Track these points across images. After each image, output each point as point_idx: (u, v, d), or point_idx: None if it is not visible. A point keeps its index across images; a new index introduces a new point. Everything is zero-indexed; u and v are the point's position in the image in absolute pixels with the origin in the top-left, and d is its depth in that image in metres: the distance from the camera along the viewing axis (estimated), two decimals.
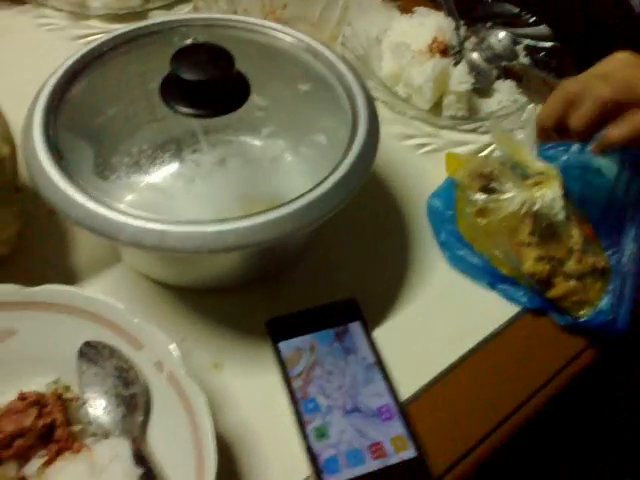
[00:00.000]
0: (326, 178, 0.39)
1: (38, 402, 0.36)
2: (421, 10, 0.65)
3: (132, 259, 0.46)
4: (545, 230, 0.47)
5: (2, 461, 0.35)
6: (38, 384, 0.39)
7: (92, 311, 0.40)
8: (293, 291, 0.47)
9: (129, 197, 0.39)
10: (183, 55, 0.41)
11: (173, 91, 0.42)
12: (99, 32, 0.66)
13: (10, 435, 0.35)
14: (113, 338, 0.40)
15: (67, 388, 0.39)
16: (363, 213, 0.52)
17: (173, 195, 0.40)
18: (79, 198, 0.37)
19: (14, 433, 0.35)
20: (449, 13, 0.64)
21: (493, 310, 0.48)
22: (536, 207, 0.46)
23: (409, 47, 0.60)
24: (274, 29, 0.48)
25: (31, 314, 0.40)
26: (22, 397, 0.37)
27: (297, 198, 0.38)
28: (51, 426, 0.36)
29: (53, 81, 0.43)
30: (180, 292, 0.46)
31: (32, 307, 0.40)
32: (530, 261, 0.46)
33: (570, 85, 0.43)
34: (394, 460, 0.39)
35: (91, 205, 0.37)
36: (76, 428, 0.37)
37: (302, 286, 0.48)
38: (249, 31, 0.49)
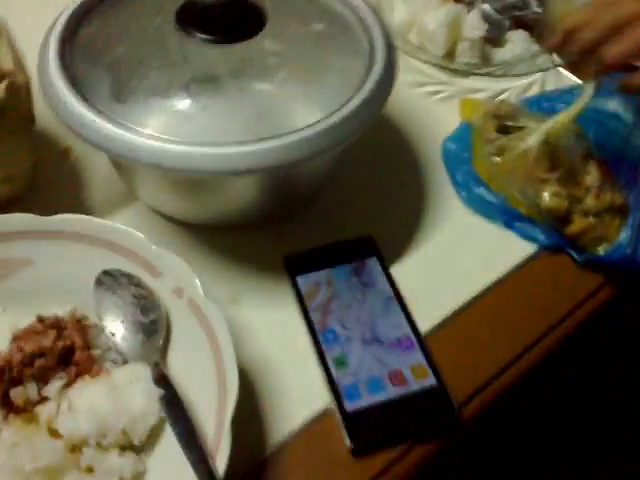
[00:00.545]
0: (346, 104, 0.39)
1: (57, 324, 0.36)
2: None
3: (148, 193, 0.46)
4: (563, 167, 0.46)
5: (23, 381, 0.35)
6: (56, 312, 0.39)
7: (109, 239, 0.40)
8: (309, 229, 0.47)
9: (145, 120, 0.38)
10: None
11: (189, 17, 0.42)
12: None
13: (30, 354, 0.34)
14: (131, 266, 0.39)
15: (85, 317, 0.39)
16: (379, 158, 0.52)
17: (189, 120, 0.39)
18: (98, 121, 0.37)
19: (34, 352, 0.34)
20: None
21: (510, 248, 0.47)
22: (552, 144, 0.46)
23: None
24: None
25: (48, 243, 0.40)
26: (41, 319, 0.36)
27: (318, 122, 0.38)
28: (70, 349, 0.36)
29: (67, 13, 0.43)
30: (196, 229, 0.46)
31: (49, 236, 0.40)
32: (548, 197, 0.46)
33: None
34: (415, 387, 0.39)
35: (110, 127, 0.37)
36: (95, 353, 0.37)
37: (318, 225, 0.47)
38: None
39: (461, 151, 0.52)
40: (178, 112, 0.39)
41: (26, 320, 0.38)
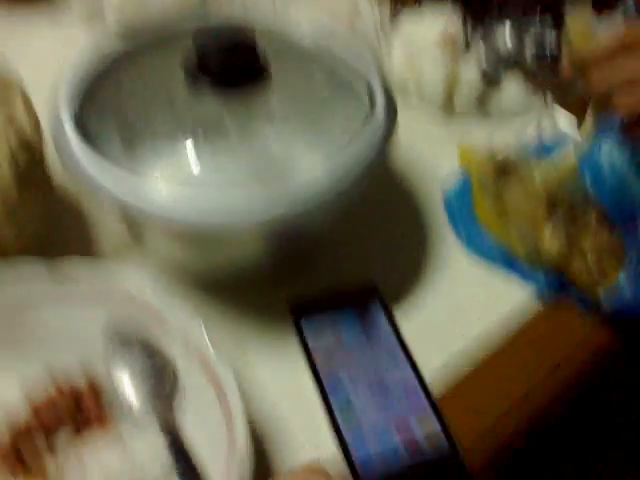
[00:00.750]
0: (349, 151, 0.40)
1: (75, 394, 0.37)
2: (427, 4, 0.66)
3: (155, 242, 0.47)
4: (560, 209, 0.47)
5: (32, 435, 0.35)
6: (65, 360, 0.39)
7: (119, 289, 0.40)
8: (314, 278, 0.48)
9: (152, 172, 0.40)
10: (204, 32, 0.43)
11: (195, 66, 0.43)
12: None
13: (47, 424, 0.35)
14: (139, 314, 0.40)
15: (94, 366, 0.39)
16: (378, 201, 0.53)
17: (194, 172, 0.41)
18: (106, 172, 0.38)
19: (51, 423, 0.35)
20: (457, 8, 0.65)
21: (511, 293, 0.48)
22: (551, 185, 0.47)
23: (419, 42, 0.61)
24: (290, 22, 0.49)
25: (56, 289, 0.41)
26: (60, 390, 0.37)
27: (326, 171, 0.39)
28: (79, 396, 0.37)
29: (77, 68, 0.45)
30: (202, 278, 0.47)
31: (57, 283, 0.41)
32: (547, 239, 0.47)
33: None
34: (420, 434, 0.39)
35: (115, 178, 0.38)
36: (103, 402, 0.37)
37: (323, 273, 0.48)
38: (272, 23, 0.50)
39: (462, 196, 0.53)
40: (185, 162, 0.40)
41: (36, 366, 0.39)
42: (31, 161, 0.43)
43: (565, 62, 0.44)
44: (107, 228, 0.50)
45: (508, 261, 0.49)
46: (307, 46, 0.49)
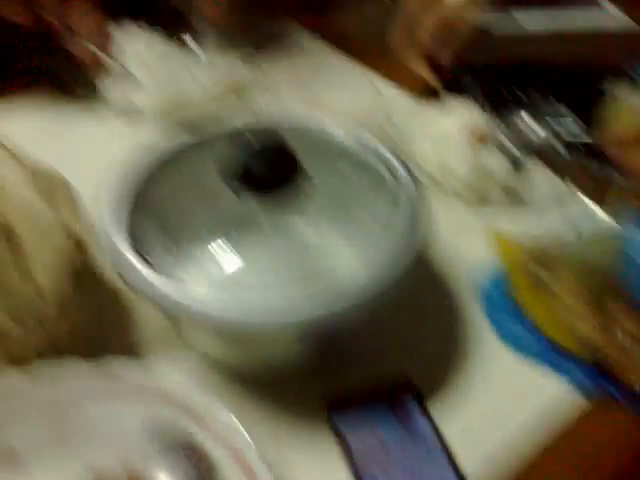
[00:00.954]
0: (387, 250, 0.41)
1: None
2: (454, 102, 0.69)
3: (196, 338, 0.48)
4: (599, 296, 0.47)
5: None
6: (105, 458, 0.40)
7: (161, 387, 0.41)
8: (349, 373, 0.48)
9: (194, 271, 0.41)
10: (241, 135, 0.45)
11: (231, 170, 0.45)
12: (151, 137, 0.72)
13: None
14: (179, 416, 0.40)
15: (136, 464, 0.40)
16: (409, 291, 0.54)
17: (230, 269, 0.42)
18: (152, 277, 0.40)
19: None
20: (483, 104, 0.68)
21: (550, 387, 0.48)
22: (590, 272, 0.47)
23: (447, 138, 0.64)
24: (326, 125, 0.52)
25: (98, 387, 0.41)
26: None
27: (354, 279, 0.40)
28: None
29: (131, 172, 0.47)
30: (240, 373, 0.48)
31: (100, 379, 0.42)
32: (584, 327, 0.46)
33: None
34: None
35: (159, 281, 0.39)
36: None
37: (357, 367, 0.48)
38: (303, 127, 0.53)
39: (497, 287, 0.53)
40: (221, 259, 0.42)
41: (76, 463, 0.39)
42: (84, 259, 0.45)
43: (607, 141, 0.45)
44: (150, 323, 0.51)
45: (546, 357, 0.49)
46: (336, 141, 0.51)
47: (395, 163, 0.48)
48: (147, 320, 0.51)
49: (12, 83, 0.76)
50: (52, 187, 0.45)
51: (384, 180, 0.48)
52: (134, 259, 0.41)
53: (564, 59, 0.75)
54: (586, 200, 0.62)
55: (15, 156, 0.45)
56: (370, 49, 0.87)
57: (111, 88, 0.74)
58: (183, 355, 0.49)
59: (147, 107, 0.74)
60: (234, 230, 0.46)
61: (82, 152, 0.68)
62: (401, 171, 0.47)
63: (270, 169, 0.45)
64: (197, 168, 0.49)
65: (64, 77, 0.76)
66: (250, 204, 0.46)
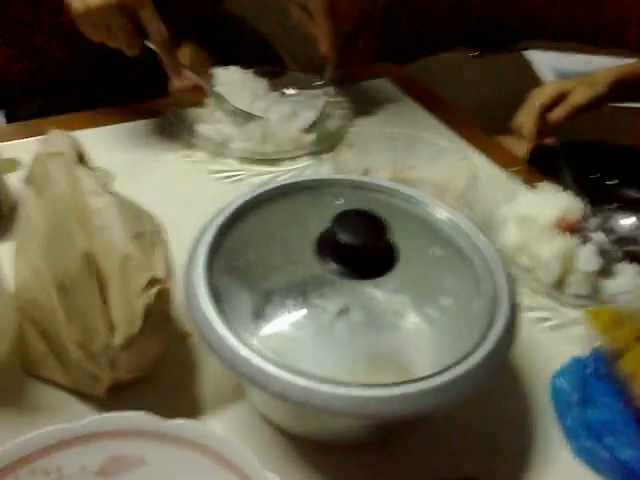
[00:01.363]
0: (471, 354, 0.40)
1: None
2: (546, 187, 0.67)
3: (257, 401, 0.47)
4: None
5: None
6: None
7: (220, 452, 0.40)
8: (408, 457, 0.46)
9: (276, 345, 0.41)
10: (343, 218, 0.44)
11: (327, 248, 0.45)
12: (234, 170, 0.73)
13: None
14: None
15: None
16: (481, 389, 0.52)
17: (316, 350, 0.41)
18: (234, 344, 0.39)
19: None
20: (574, 192, 0.66)
21: None
22: None
23: (536, 221, 0.62)
24: (421, 200, 0.51)
25: (161, 446, 0.41)
26: None
27: (439, 373, 0.38)
28: None
29: (216, 224, 0.47)
30: (298, 440, 0.46)
31: (163, 439, 0.41)
32: None
33: None
34: None
35: (245, 353, 0.39)
36: None
37: (421, 455, 0.46)
38: (394, 196, 0.52)
39: (572, 390, 0.50)
40: (307, 341, 0.41)
41: None
42: (158, 298, 0.45)
43: None
44: (214, 369, 0.51)
45: (622, 476, 0.46)
46: (432, 221, 0.50)
47: (494, 264, 0.46)
48: (209, 368, 0.51)
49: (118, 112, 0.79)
50: (146, 234, 0.46)
51: (476, 270, 0.46)
52: (213, 315, 0.40)
53: None
54: None
55: (120, 202, 0.46)
56: (465, 118, 0.86)
57: (204, 126, 0.76)
58: (242, 413, 0.48)
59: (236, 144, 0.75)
60: (313, 295, 0.45)
61: (172, 192, 0.69)
62: (499, 274, 0.45)
63: (367, 260, 0.44)
64: (295, 232, 0.49)
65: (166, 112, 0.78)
66: (342, 286, 0.44)
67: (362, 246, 0.44)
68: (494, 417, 0.50)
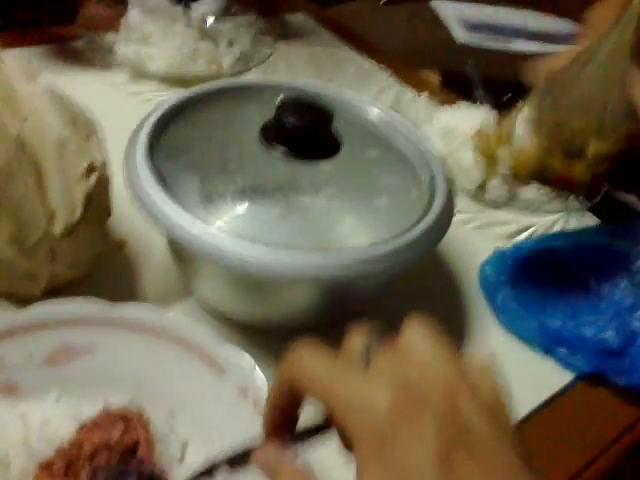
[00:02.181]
0: (411, 229, 0.42)
1: (124, 416, 0.35)
2: (462, 105, 0.71)
3: (206, 289, 0.47)
4: None
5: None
6: (115, 402, 0.38)
7: (174, 333, 0.40)
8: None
9: (221, 219, 0.41)
10: (288, 105, 0.45)
11: (272, 134, 0.45)
12: (154, 91, 0.71)
13: (97, 447, 0.33)
14: (195, 361, 0.39)
15: (142, 410, 0.38)
16: (415, 282, 0.54)
17: (259, 224, 0.42)
18: (184, 218, 0.39)
19: (101, 444, 0.33)
20: (489, 105, 0.70)
21: (548, 376, 0.49)
22: None
23: (456, 133, 0.65)
24: (358, 103, 0.52)
25: (110, 331, 0.40)
26: (107, 410, 0.36)
27: (385, 242, 0.40)
28: (134, 444, 0.35)
29: (152, 119, 0.46)
30: (249, 329, 0.47)
31: (112, 324, 0.40)
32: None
33: None
34: None
35: (195, 225, 0.38)
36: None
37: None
38: (332, 99, 0.53)
39: (498, 275, 0.54)
40: (250, 216, 0.41)
41: (83, 409, 0.37)
42: (97, 186, 0.43)
43: None
44: (151, 267, 0.50)
45: (547, 342, 0.50)
46: (377, 126, 0.52)
47: (430, 158, 0.49)
48: (150, 269, 0.50)
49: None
50: (80, 122, 0.44)
51: (415, 172, 0.48)
52: (161, 193, 0.40)
53: None
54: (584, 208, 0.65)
55: (50, 90, 0.44)
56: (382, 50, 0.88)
57: (122, 48, 0.73)
58: (190, 309, 0.48)
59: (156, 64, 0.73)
60: (258, 186, 0.46)
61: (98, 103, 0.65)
62: (436, 167, 0.48)
63: (311, 141, 0.45)
64: (236, 122, 0.49)
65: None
66: (282, 169, 0.45)
67: (308, 127, 0.45)
68: (426, 306, 0.52)
